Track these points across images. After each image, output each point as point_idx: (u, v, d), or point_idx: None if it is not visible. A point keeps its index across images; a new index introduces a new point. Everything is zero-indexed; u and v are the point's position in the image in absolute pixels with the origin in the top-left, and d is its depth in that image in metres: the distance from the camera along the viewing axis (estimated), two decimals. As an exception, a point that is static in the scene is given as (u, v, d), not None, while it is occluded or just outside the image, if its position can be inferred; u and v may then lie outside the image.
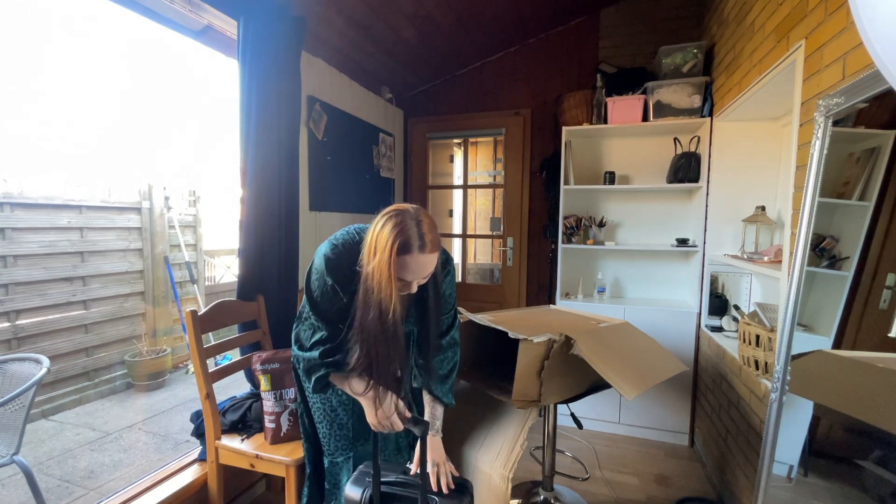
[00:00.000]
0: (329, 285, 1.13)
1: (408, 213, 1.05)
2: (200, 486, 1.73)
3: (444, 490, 1.15)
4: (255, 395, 1.83)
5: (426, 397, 1.32)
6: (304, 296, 1.20)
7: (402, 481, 1.14)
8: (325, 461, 1.36)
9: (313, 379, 1.19)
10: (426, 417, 1.29)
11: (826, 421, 1.29)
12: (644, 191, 2.80)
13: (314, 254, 1.21)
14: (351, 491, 1.12)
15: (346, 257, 1.12)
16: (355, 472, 1.20)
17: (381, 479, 1.12)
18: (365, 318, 1.06)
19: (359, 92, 2.78)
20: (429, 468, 1.18)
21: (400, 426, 1.11)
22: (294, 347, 1.24)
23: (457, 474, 1.21)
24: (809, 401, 1.26)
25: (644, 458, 2.38)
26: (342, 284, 1.12)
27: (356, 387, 1.14)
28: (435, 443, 1.23)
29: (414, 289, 1.10)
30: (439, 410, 1.30)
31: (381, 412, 1.11)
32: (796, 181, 1.38)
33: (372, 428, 1.13)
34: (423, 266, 1.05)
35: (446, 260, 1.28)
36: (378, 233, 1.02)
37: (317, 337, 1.17)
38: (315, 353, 1.16)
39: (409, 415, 1.12)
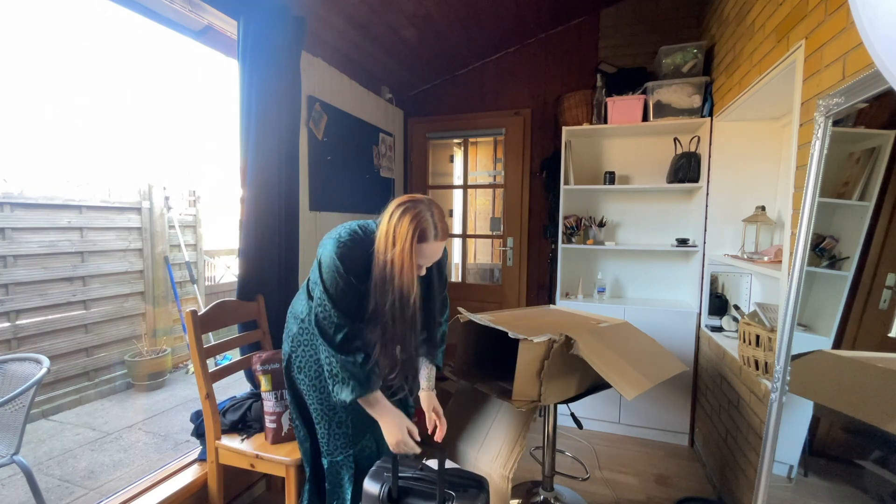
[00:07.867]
0: (345, 279, 1.17)
1: (423, 203, 1.15)
2: (200, 486, 1.73)
3: (438, 439, 1.29)
4: (255, 395, 1.83)
5: (423, 361, 1.42)
6: (318, 294, 1.21)
7: (418, 476, 1.16)
8: (325, 461, 1.36)
9: (352, 388, 1.19)
10: (424, 379, 1.39)
11: (826, 421, 1.29)
12: (644, 191, 2.80)
13: (316, 254, 1.23)
14: (369, 485, 1.14)
15: (357, 251, 1.18)
16: (372, 468, 1.22)
17: (398, 475, 1.14)
18: (384, 303, 1.14)
19: (359, 92, 2.78)
20: (433, 420, 1.33)
21: (416, 449, 1.20)
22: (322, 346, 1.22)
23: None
24: (809, 401, 1.26)
25: (644, 458, 2.38)
26: (358, 277, 1.18)
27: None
28: (432, 396, 1.39)
29: (423, 272, 1.22)
30: (434, 371, 1.44)
31: (402, 436, 1.19)
32: (796, 181, 1.38)
33: (392, 449, 1.20)
34: (437, 252, 1.18)
35: None
36: (396, 223, 1.11)
37: (340, 336, 1.19)
38: (356, 358, 1.20)
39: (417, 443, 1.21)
